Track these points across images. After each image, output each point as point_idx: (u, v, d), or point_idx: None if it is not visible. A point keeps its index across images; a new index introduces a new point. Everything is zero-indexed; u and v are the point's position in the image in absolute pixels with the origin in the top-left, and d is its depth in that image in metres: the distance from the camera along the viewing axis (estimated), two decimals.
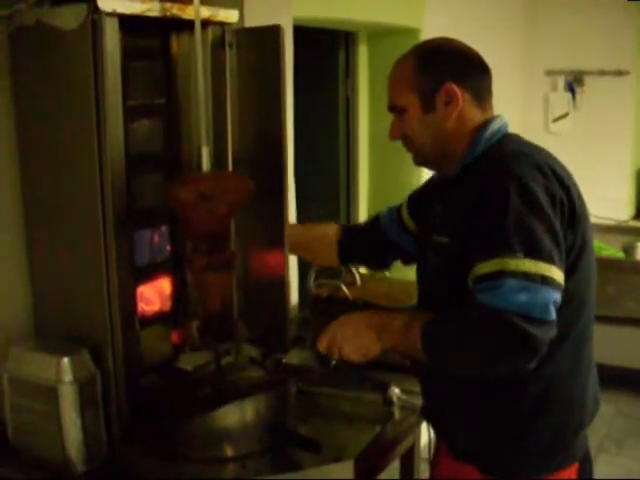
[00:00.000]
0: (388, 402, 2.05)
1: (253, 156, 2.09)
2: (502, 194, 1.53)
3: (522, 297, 1.46)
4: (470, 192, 1.61)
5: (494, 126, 1.70)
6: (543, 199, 1.52)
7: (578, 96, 4.94)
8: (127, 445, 1.79)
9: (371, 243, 2.16)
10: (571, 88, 4.94)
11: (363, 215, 3.97)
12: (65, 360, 1.71)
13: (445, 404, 1.76)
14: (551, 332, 1.48)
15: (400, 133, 1.75)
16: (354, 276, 2.69)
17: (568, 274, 1.56)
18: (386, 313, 1.74)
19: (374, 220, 2.20)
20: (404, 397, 2.06)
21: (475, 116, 1.71)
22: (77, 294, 1.82)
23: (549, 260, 1.49)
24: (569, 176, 1.66)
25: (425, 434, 2.06)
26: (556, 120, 5.01)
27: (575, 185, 1.66)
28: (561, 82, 4.97)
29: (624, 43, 4.85)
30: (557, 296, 1.49)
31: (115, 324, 1.77)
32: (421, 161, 1.78)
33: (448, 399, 1.74)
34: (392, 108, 1.75)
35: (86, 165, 1.73)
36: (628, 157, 5.00)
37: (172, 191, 1.74)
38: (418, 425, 2.13)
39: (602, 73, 4.88)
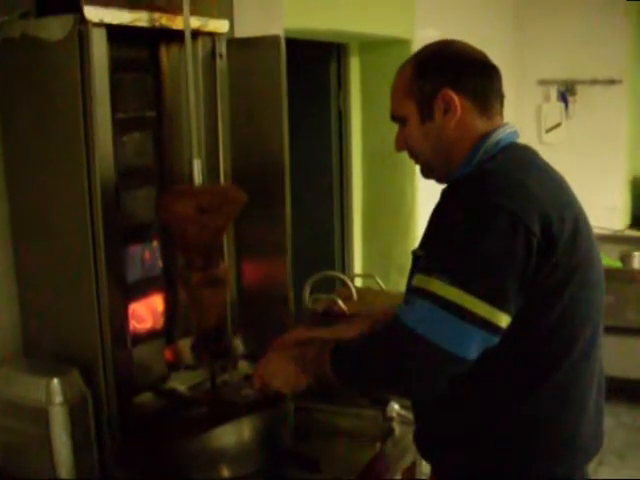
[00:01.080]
0: (387, 418, 2.00)
1: (248, 168, 2.06)
2: (458, 215, 1.44)
3: (431, 323, 1.39)
4: (442, 209, 1.56)
5: (495, 137, 1.57)
6: (500, 229, 1.39)
7: (571, 105, 4.92)
8: (119, 467, 1.74)
9: None
10: (564, 98, 4.92)
11: (357, 229, 3.93)
12: (55, 381, 1.66)
13: (432, 437, 1.68)
14: (456, 368, 1.41)
15: (404, 144, 1.66)
16: (350, 290, 2.64)
17: (542, 313, 1.47)
18: (303, 346, 1.68)
19: None
20: (403, 412, 2.01)
21: (478, 124, 1.58)
22: (67, 312, 1.77)
23: (477, 294, 1.38)
24: (559, 205, 1.48)
25: None
26: (549, 130, 4.99)
27: (565, 217, 1.47)
28: (554, 92, 4.95)
29: (616, 52, 4.84)
30: (486, 337, 1.39)
31: (106, 343, 1.72)
32: (427, 173, 1.69)
33: (434, 432, 1.66)
34: (394, 118, 1.67)
35: (75, 179, 1.69)
36: (622, 166, 4.98)
37: (168, 205, 1.70)
38: None
39: (594, 82, 4.86)
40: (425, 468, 2.22)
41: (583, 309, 1.53)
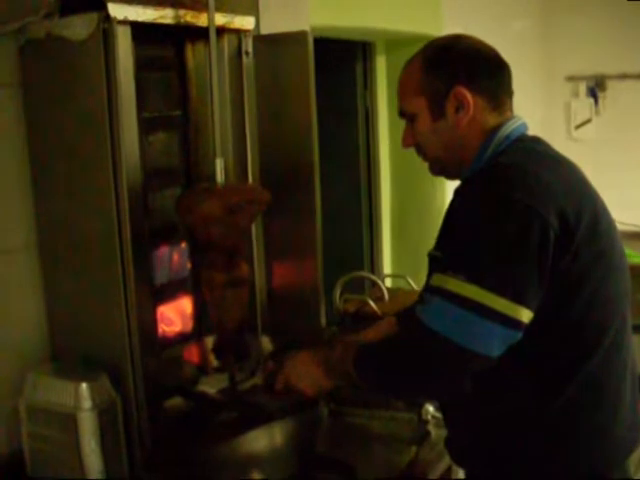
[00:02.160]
0: (423, 421, 1.95)
1: (277, 167, 2.02)
2: (472, 211, 1.42)
3: (448, 321, 1.37)
4: (455, 206, 1.52)
5: (505, 130, 1.55)
6: (517, 222, 1.36)
7: (600, 101, 4.82)
8: (150, 472, 1.70)
9: None
10: (593, 93, 4.83)
11: (386, 229, 3.88)
12: (84, 386, 1.63)
13: (464, 441, 1.64)
14: (478, 366, 1.38)
15: (412, 141, 1.62)
16: (381, 290, 2.60)
17: (569, 302, 1.43)
18: (327, 348, 1.65)
19: None
20: (439, 415, 1.96)
21: (490, 120, 1.56)
22: (94, 316, 1.75)
23: (495, 290, 1.35)
24: (575, 195, 1.46)
25: None
26: (579, 127, 4.90)
27: (582, 206, 1.45)
28: (583, 88, 4.86)
29: None
30: (506, 332, 1.36)
31: (135, 346, 1.69)
32: (437, 171, 1.65)
33: (466, 436, 1.62)
34: (402, 114, 1.63)
35: (101, 180, 1.66)
36: None
37: (193, 204, 1.66)
38: None
39: (624, 77, 4.76)
40: (461, 472, 2.17)
41: (611, 296, 1.50)
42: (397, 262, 3.97)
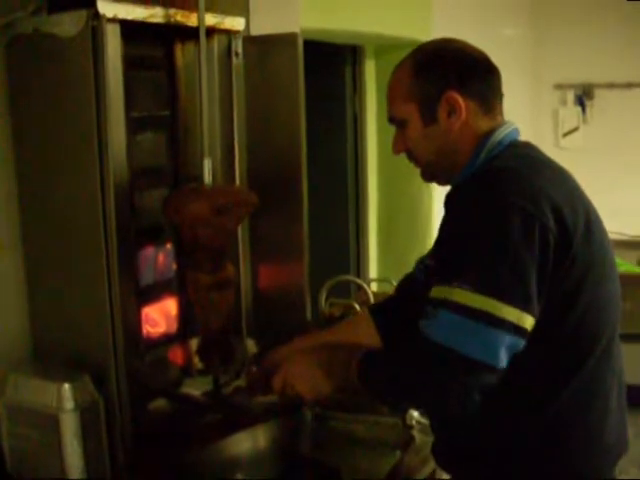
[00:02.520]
0: (407, 426, 1.94)
1: (265, 169, 2.02)
2: (470, 218, 1.39)
3: (459, 335, 1.33)
4: (451, 213, 1.50)
5: (497, 135, 1.53)
6: (515, 228, 1.34)
7: (588, 109, 4.85)
8: (132, 475, 1.69)
9: (409, 299, 1.84)
10: (581, 102, 4.86)
11: (373, 233, 3.88)
12: (66, 386, 1.61)
13: (452, 448, 1.63)
14: (490, 377, 1.34)
15: (403, 147, 1.60)
16: (367, 294, 2.60)
17: (566, 309, 1.43)
18: (332, 349, 1.61)
19: (404, 279, 1.94)
20: (423, 421, 1.96)
21: (482, 124, 1.54)
22: (78, 316, 1.73)
23: (503, 298, 1.33)
24: (570, 200, 1.45)
25: None
26: (566, 135, 4.93)
27: (577, 211, 1.44)
28: (570, 96, 4.90)
29: (633, 55, 4.77)
30: (514, 340, 1.33)
31: (119, 347, 1.67)
32: (429, 177, 1.64)
33: (454, 443, 1.61)
34: (392, 120, 1.61)
35: (87, 179, 1.64)
36: None
37: (180, 205, 1.65)
38: None
39: (612, 86, 4.80)
40: (445, 478, 2.17)
41: (603, 305, 1.49)
42: (383, 266, 3.97)
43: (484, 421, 1.50)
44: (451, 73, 1.52)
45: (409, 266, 3.87)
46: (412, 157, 1.61)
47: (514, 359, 1.36)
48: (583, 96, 4.86)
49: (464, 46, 1.57)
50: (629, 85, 4.75)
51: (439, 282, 1.40)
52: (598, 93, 4.86)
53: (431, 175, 1.63)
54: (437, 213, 3.78)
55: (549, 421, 1.47)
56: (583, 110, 4.87)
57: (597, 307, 1.48)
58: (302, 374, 1.59)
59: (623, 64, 4.79)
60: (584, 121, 4.86)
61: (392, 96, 1.59)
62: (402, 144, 1.60)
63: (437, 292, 1.39)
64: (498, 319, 1.32)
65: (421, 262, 1.79)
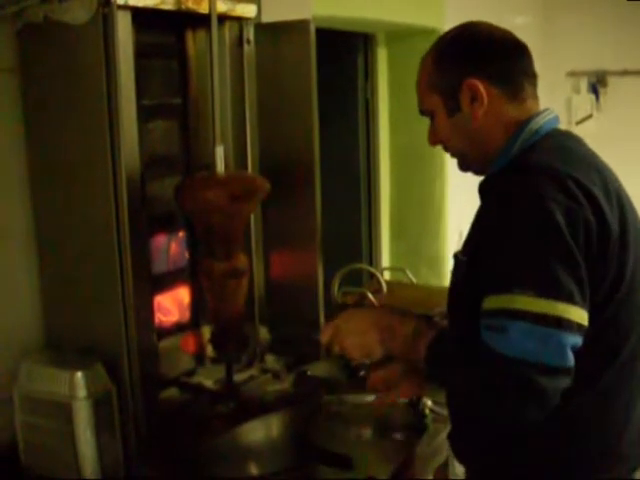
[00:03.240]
0: (420, 414, 1.93)
1: (277, 157, 2.01)
2: (515, 217, 1.34)
3: (532, 344, 1.27)
4: (487, 208, 1.44)
5: (535, 124, 1.47)
6: (562, 224, 1.30)
7: (602, 97, 4.80)
8: (145, 464, 1.68)
9: None
10: (594, 89, 4.81)
11: (385, 222, 3.87)
12: (79, 374, 1.61)
13: (468, 439, 1.59)
14: (566, 380, 1.30)
15: (436, 138, 1.56)
16: (380, 283, 2.59)
17: (599, 310, 1.37)
18: (396, 316, 1.53)
19: None
20: (437, 409, 1.95)
21: (510, 110, 1.47)
22: (91, 305, 1.73)
23: (567, 299, 1.28)
24: (608, 192, 1.40)
25: None
26: (580, 122, 4.87)
27: (616, 203, 1.41)
28: (584, 83, 4.84)
29: None
30: (577, 339, 1.29)
31: (131, 336, 1.67)
32: (464, 167, 1.59)
33: (471, 434, 1.58)
34: (422, 112, 1.57)
35: (99, 168, 1.64)
36: None
37: (196, 192, 1.64)
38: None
39: (625, 73, 4.74)
40: (458, 468, 2.16)
41: (633, 309, 1.45)
42: (395, 255, 3.95)
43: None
44: (468, 59, 1.47)
45: (421, 255, 3.89)
46: (446, 148, 1.58)
47: None
48: (597, 84, 4.80)
49: (485, 28, 1.51)
50: None
51: (495, 290, 1.33)
52: (611, 80, 4.80)
53: (466, 165, 1.58)
54: (450, 202, 3.76)
55: (567, 420, 1.43)
56: (597, 98, 4.82)
57: (629, 306, 1.44)
58: (355, 331, 1.53)
59: (636, 51, 4.72)
60: (597, 109, 4.81)
61: (419, 89, 1.55)
62: (435, 136, 1.56)
63: (496, 302, 1.32)
64: (566, 321, 1.28)
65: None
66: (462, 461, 1.64)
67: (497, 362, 1.30)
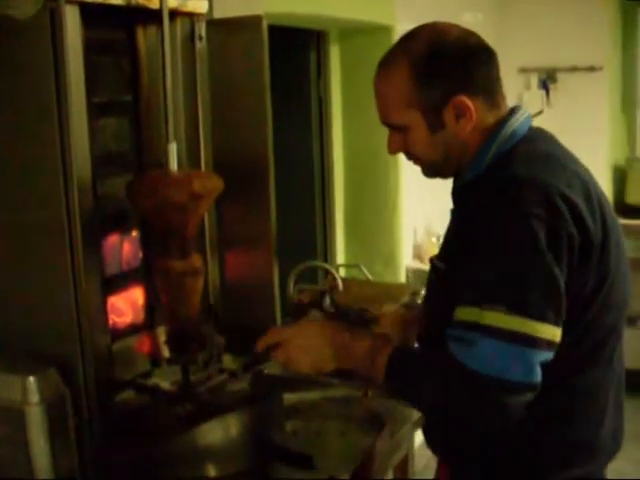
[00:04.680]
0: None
1: (230, 154, 1.98)
2: (496, 234, 1.33)
3: (499, 361, 1.28)
4: (467, 218, 1.43)
5: (510, 127, 1.44)
6: (543, 243, 1.29)
7: (552, 93, 4.87)
8: (101, 469, 1.65)
9: None
10: (545, 85, 4.87)
11: (339, 218, 3.86)
12: (31, 379, 1.57)
13: (445, 437, 1.60)
14: (531, 395, 1.31)
15: (401, 148, 1.51)
16: (335, 280, 2.58)
17: (581, 313, 1.39)
18: (348, 333, 1.51)
19: None
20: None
21: (488, 116, 1.45)
22: (42, 307, 1.68)
23: (539, 317, 1.29)
24: (590, 198, 1.39)
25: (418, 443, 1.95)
26: (531, 117, 4.94)
27: (598, 208, 1.40)
28: (534, 80, 4.90)
29: (596, 39, 4.80)
30: (546, 355, 1.31)
31: (85, 338, 1.63)
32: (432, 175, 1.57)
33: (447, 432, 1.58)
34: (389, 126, 1.51)
35: (49, 167, 1.59)
36: (604, 153, 4.94)
37: (159, 191, 1.61)
38: (411, 434, 2.02)
39: (575, 69, 4.82)
40: (417, 466, 2.17)
41: (614, 306, 1.46)
42: (350, 252, 3.95)
43: None
44: (456, 74, 1.42)
45: (376, 252, 3.89)
46: (413, 158, 1.54)
47: None
48: (547, 80, 4.87)
49: (458, 35, 1.45)
50: (592, 68, 4.77)
51: (468, 303, 1.33)
52: (561, 77, 4.87)
53: (435, 173, 1.56)
54: (404, 198, 3.77)
55: (551, 414, 1.45)
56: (547, 93, 4.88)
57: (609, 308, 1.44)
58: (307, 347, 1.51)
59: (584, 48, 4.81)
60: (548, 104, 4.87)
61: (388, 104, 1.48)
62: (399, 145, 1.51)
63: (467, 314, 1.33)
64: (535, 339, 1.29)
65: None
66: (436, 452, 1.64)
67: (462, 374, 1.30)
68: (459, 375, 1.30)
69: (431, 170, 1.55)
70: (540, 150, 1.46)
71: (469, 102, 1.42)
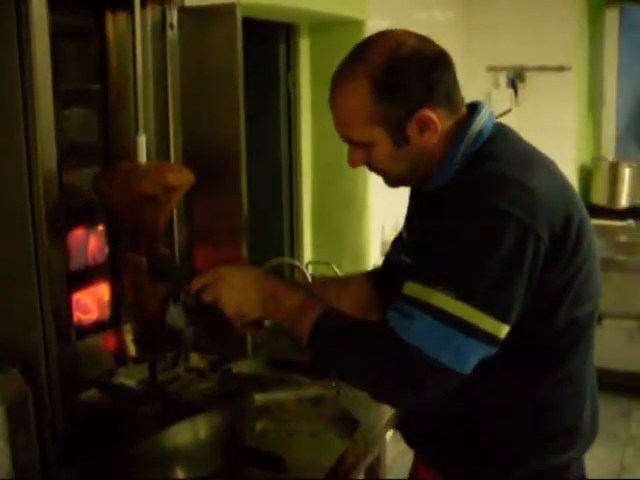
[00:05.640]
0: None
1: (200, 147, 1.93)
2: (464, 222, 1.33)
3: (432, 340, 1.28)
4: (437, 215, 1.41)
5: (475, 127, 1.42)
6: (511, 238, 1.29)
7: (520, 92, 4.88)
8: (65, 472, 1.58)
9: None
10: (513, 84, 4.88)
11: (307, 214, 3.82)
12: None
13: (427, 426, 1.58)
14: (454, 383, 1.31)
15: (364, 163, 1.48)
16: (305, 276, 2.54)
17: (558, 303, 1.39)
18: (283, 285, 1.48)
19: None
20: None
21: (449, 123, 1.43)
22: (3, 303, 1.61)
23: (484, 308, 1.29)
24: (565, 204, 1.39)
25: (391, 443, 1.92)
26: (499, 117, 4.88)
27: (571, 216, 1.38)
28: (503, 78, 4.91)
29: (564, 38, 4.81)
30: (485, 349, 1.30)
31: (48, 336, 1.57)
32: (396, 185, 1.54)
33: (431, 422, 1.56)
34: (352, 142, 1.46)
35: (13, 157, 1.52)
36: (571, 153, 4.97)
37: (132, 183, 1.55)
38: (383, 435, 1.98)
39: (543, 69, 4.83)
40: (389, 467, 2.14)
41: (588, 302, 1.46)
42: (317, 249, 3.92)
43: (466, 401, 1.46)
44: (417, 88, 1.39)
45: (344, 249, 3.85)
46: (376, 171, 1.50)
47: (505, 351, 1.34)
48: (515, 78, 4.88)
49: (416, 44, 1.41)
50: (560, 68, 4.79)
51: (417, 279, 1.32)
52: (529, 75, 4.88)
53: (400, 184, 1.54)
54: (373, 195, 3.75)
55: (538, 401, 1.46)
56: (515, 92, 4.89)
57: (582, 305, 1.44)
58: (235, 288, 1.47)
59: (553, 48, 4.82)
60: (516, 103, 4.88)
61: (347, 119, 1.43)
62: (362, 160, 1.47)
63: (414, 290, 1.32)
64: (476, 329, 1.28)
65: (394, 247, 1.70)
66: (415, 447, 1.63)
67: (391, 343, 1.30)
68: (388, 343, 1.30)
69: (396, 181, 1.53)
70: (510, 148, 1.45)
71: (433, 115, 1.40)
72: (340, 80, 1.43)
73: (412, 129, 1.41)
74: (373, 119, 1.40)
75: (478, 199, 1.33)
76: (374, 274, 1.80)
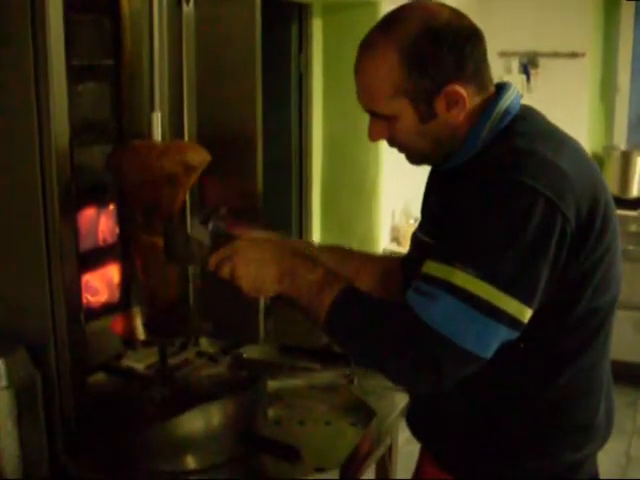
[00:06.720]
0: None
1: (215, 125, 1.88)
2: (489, 198, 1.28)
3: (456, 323, 1.24)
4: (461, 192, 1.36)
5: (502, 105, 1.38)
6: (538, 218, 1.25)
7: (533, 78, 4.82)
8: (73, 458, 1.54)
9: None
10: (525, 70, 4.82)
11: (316, 197, 3.78)
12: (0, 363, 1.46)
13: (437, 421, 1.54)
14: (474, 367, 1.27)
15: (385, 136, 1.43)
16: None
17: (576, 294, 1.35)
18: (303, 260, 1.42)
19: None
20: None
21: (477, 100, 1.38)
22: (13, 285, 1.57)
23: (508, 290, 1.24)
24: (592, 187, 1.34)
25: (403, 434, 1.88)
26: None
27: (598, 200, 1.34)
28: (515, 64, 4.85)
29: (578, 24, 4.75)
30: (507, 333, 1.26)
31: (58, 318, 1.53)
32: (419, 163, 1.49)
33: (442, 416, 1.52)
34: (373, 114, 1.42)
35: (24, 133, 1.48)
36: (583, 140, 4.89)
37: (152, 162, 1.50)
38: (396, 425, 1.94)
39: (556, 55, 4.77)
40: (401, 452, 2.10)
41: (609, 290, 1.41)
42: (326, 233, 3.88)
43: (480, 394, 1.43)
44: (449, 63, 1.34)
45: (353, 232, 3.82)
46: (398, 146, 1.45)
47: (524, 339, 1.30)
48: (528, 64, 4.82)
49: (451, 16, 1.36)
50: (574, 54, 4.73)
51: (439, 258, 1.28)
52: (542, 62, 4.82)
53: (423, 161, 1.49)
54: (384, 179, 3.70)
55: (555, 394, 1.42)
56: (527, 78, 4.83)
57: (604, 293, 1.40)
58: (252, 261, 1.40)
59: (566, 34, 4.76)
60: (528, 89, 4.82)
61: (372, 90, 1.39)
62: (384, 134, 1.43)
63: (436, 270, 1.28)
64: (498, 310, 1.24)
65: (415, 237, 1.66)
66: (423, 440, 1.59)
67: (411, 324, 1.26)
68: (409, 323, 1.26)
69: (419, 158, 1.48)
70: (540, 127, 1.41)
71: (462, 91, 1.35)
72: (368, 49, 1.38)
73: (440, 104, 1.36)
74: (400, 91, 1.35)
75: (506, 174, 1.29)
76: (398, 260, 1.75)
